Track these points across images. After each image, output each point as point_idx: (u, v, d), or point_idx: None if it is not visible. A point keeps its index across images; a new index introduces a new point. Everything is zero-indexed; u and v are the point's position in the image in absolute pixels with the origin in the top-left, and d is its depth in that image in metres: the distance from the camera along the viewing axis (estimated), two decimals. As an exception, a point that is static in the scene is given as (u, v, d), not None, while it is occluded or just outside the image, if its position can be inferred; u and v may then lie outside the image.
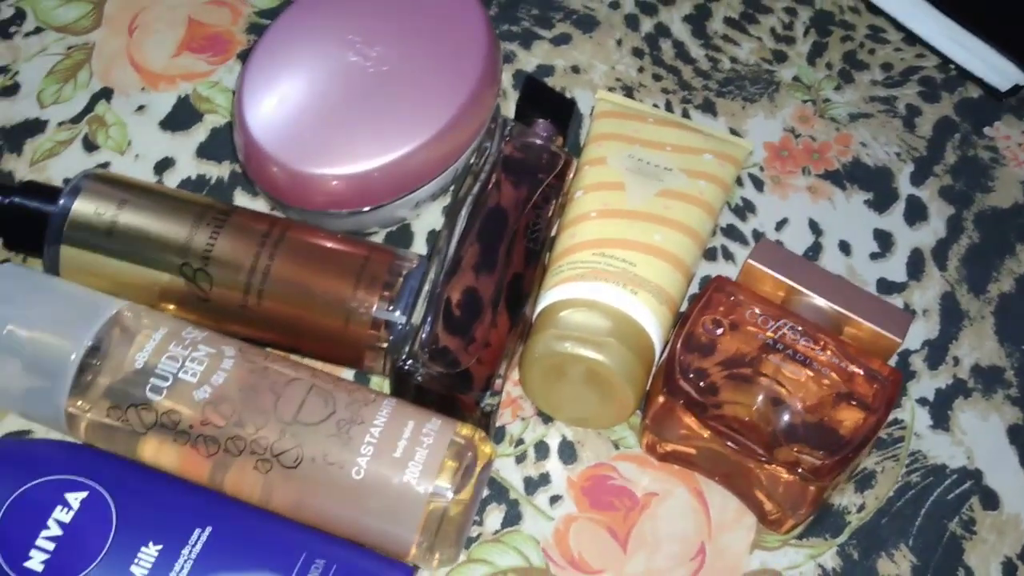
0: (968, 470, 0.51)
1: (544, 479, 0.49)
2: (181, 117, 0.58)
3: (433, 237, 0.56)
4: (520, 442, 0.50)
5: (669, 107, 0.61)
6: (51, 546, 0.40)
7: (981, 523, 0.50)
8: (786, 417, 0.46)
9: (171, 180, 0.56)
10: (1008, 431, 0.52)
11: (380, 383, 0.51)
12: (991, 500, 0.50)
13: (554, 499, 0.49)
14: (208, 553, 0.41)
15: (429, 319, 0.47)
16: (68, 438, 0.46)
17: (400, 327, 0.47)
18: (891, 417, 0.52)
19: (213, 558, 0.40)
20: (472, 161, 0.53)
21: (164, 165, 0.57)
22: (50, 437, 0.48)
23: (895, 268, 0.57)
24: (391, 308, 0.48)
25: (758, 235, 0.57)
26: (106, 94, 0.59)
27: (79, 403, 0.44)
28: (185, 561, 0.40)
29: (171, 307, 0.48)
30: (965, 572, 0.48)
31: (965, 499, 0.50)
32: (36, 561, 0.40)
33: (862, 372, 0.47)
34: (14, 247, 0.51)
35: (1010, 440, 0.52)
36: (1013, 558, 0.49)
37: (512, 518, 0.48)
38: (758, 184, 0.59)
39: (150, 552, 0.40)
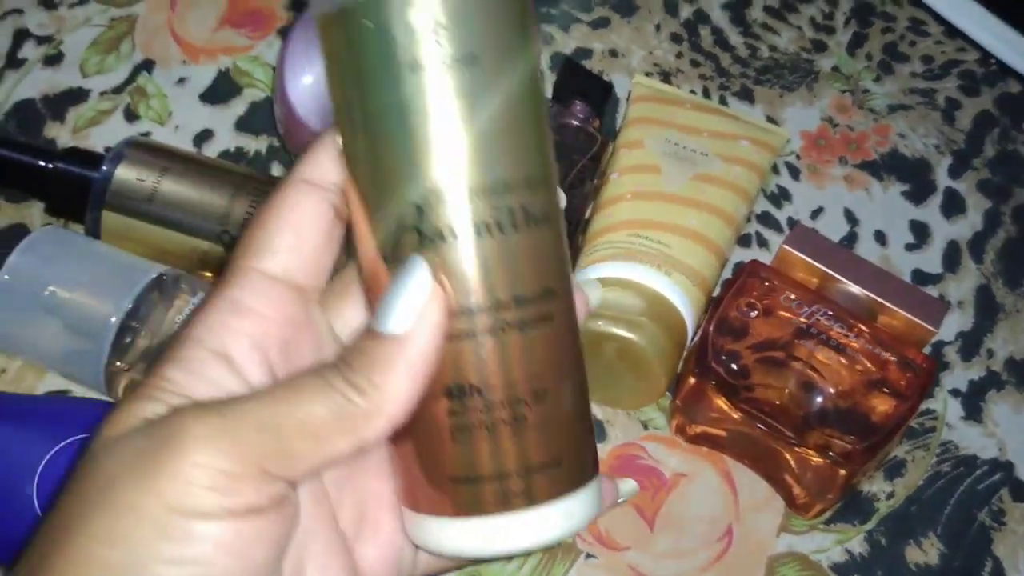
0: (999, 462, 0.51)
1: (573, 456, 0.50)
2: (221, 90, 0.59)
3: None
4: (550, 419, 0.51)
5: (706, 93, 0.61)
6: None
7: (1011, 514, 0.50)
8: (818, 401, 0.46)
9: (210, 152, 0.57)
10: (1041, 425, 0.52)
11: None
12: (1022, 492, 0.50)
13: (583, 476, 0.49)
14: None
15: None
16: (106, 398, 0.47)
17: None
18: (923, 407, 0.52)
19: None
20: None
21: (203, 137, 0.57)
22: (88, 396, 0.48)
23: (931, 260, 0.57)
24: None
25: (793, 223, 0.57)
26: (147, 66, 0.59)
27: (118, 364, 0.44)
28: None
29: (208, 274, 0.49)
30: (993, 562, 0.48)
31: (995, 490, 0.50)
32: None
33: (895, 360, 0.46)
34: (57, 212, 0.52)
35: (1042, 434, 0.52)
36: (1043, 551, 0.49)
37: (541, 493, 0.48)
38: (794, 172, 0.59)
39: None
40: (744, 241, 0.56)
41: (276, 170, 0.56)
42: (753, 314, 0.48)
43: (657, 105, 0.56)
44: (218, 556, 0.24)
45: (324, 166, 0.28)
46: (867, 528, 0.49)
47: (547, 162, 0.27)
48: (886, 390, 0.46)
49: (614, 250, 0.49)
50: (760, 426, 0.46)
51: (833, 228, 0.57)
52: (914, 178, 0.60)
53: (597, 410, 0.51)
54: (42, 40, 0.60)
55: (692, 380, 0.47)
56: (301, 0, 0.63)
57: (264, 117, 0.58)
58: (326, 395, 0.25)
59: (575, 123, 0.53)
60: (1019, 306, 0.56)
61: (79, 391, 0.49)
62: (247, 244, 0.27)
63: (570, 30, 0.63)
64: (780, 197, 0.58)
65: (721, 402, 0.47)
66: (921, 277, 0.56)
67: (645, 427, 0.51)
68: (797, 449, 0.46)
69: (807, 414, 0.45)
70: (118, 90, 0.58)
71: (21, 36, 0.60)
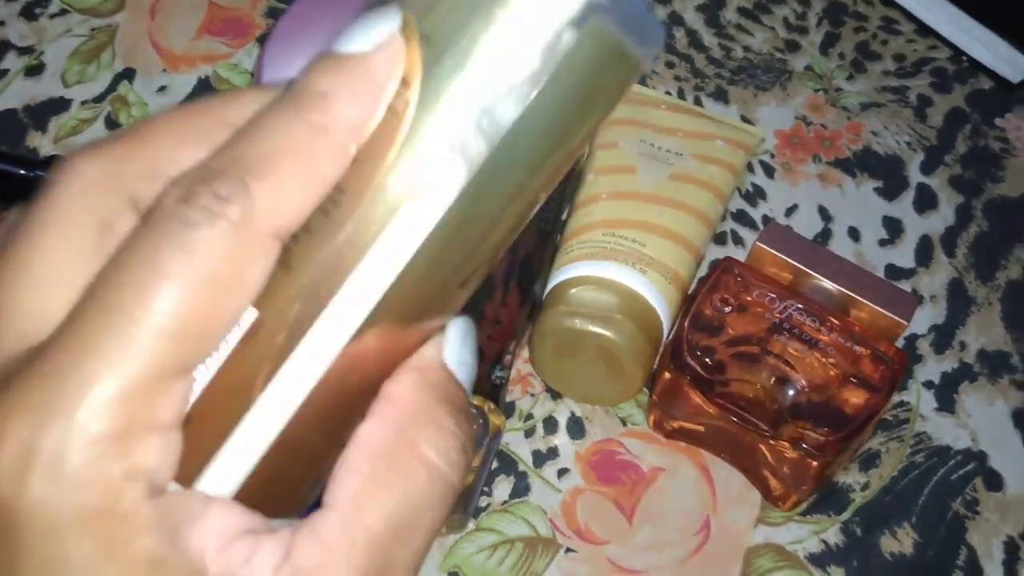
0: (972, 452, 0.52)
1: (552, 453, 0.50)
2: (201, 98, 0.60)
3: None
4: (529, 417, 0.51)
5: (681, 94, 0.62)
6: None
7: (984, 503, 0.50)
8: (791, 395, 0.46)
9: (191, 159, 0.57)
10: (1013, 415, 0.53)
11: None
12: (995, 481, 0.51)
13: (562, 472, 0.50)
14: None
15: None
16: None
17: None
18: (897, 399, 0.53)
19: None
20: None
21: (184, 144, 0.58)
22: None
23: (904, 254, 0.58)
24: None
25: (767, 220, 0.58)
26: (128, 75, 0.60)
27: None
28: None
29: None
30: (967, 550, 0.49)
31: (969, 480, 0.51)
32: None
33: (867, 353, 0.47)
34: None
35: (1015, 424, 0.53)
36: (1015, 538, 0.49)
37: (520, 489, 0.49)
38: (769, 171, 0.60)
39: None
40: (719, 239, 0.57)
41: (256, 176, 0.57)
42: (727, 310, 0.48)
43: (632, 106, 0.57)
44: None
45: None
46: (843, 519, 0.50)
47: None
48: (859, 383, 0.47)
49: (590, 249, 0.50)
50: (735, 420, 0.47)
51: (807, 225, 0.58)
52: (887, 175, 0.60)
53: (576, 407, 0.52)
54: (23, 51, 0.60)
55: (668, 375, 0.48)
56: (279, 8, 0.63)
57: (244, 124, 0.58)
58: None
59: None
60: (991, 299, 0.57)
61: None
62: None
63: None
64: (755, 195, 0.59)
65: (697, 397, 0.48)
66: (894, 272, 0.57)
67: (624, 423, 0.51)
68: (772, 442, 0.47)
69: (781, 408, 0.46)
70: (99, 99, 0.59)
71: (2, 47, 0.60)
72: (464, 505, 0.45)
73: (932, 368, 0.54)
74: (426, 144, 0.22)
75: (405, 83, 0.22)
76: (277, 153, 0.21)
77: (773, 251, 0.51)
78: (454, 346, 0.25)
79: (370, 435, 0.23)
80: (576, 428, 0.51)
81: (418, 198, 0.22)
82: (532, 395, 0.52)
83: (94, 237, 0.22)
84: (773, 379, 0.47)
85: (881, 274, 0.57)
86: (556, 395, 0.52)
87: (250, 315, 0.22)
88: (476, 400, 0.45)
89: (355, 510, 0.22)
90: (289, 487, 0.24)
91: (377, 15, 0.23)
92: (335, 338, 0.23)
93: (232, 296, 0.21)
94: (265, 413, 0.23)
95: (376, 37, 0.22)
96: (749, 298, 0.48)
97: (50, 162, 0.51)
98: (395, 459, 0.23)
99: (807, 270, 0.51)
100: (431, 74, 0.22)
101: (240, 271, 0.21)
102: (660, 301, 0.49)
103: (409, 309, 0.23)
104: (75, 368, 0.20)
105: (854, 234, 0.58)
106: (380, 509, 0.22)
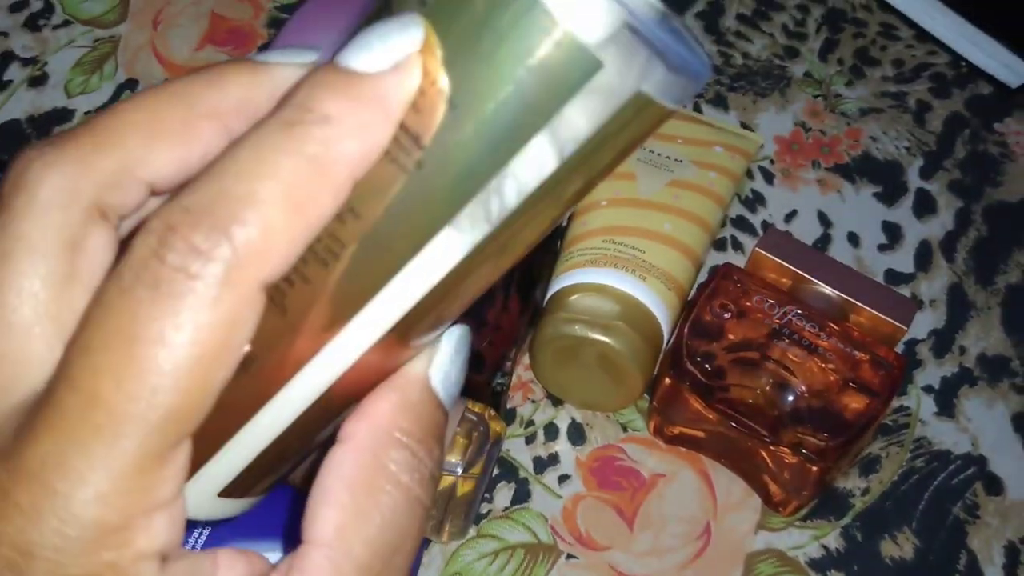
0: (972, 456, 0.52)
1: (553, 459, 0.50)
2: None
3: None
4: (530, 423, 0.52)
5: (681, 101, 0.62)
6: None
7: (985, 508, 0.50)
8: (791, 400, 0.46)
9: (193, 168, 0.58)
10: (1013, 419, 0.53)
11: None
12: (995, 486, 0.51)
13: (563, 478, 0.50)
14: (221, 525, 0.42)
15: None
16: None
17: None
18: (897, 404, 0.53)
19: (228, 527, 0.42)
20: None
21: (187, 154, 0.58)
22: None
23: (903, 260, 0.58)
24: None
25: (767, 226, 0.58)
26: (131, 85, 0.60)
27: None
28: (201, 532, 0.42)
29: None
30: (968, 555, 0.49)
31: (969, 484, 0.51)
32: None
33: (868, 358, 0.47)
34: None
35: (1015, 428, 0.53)
36: (1016, 542, 0.49)
37: (521, 496, 0.49)
38: (768, 177, 0.60)
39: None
40: (719, 245, 0.57)
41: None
42: (727, 316, 0.49)
43: (631, 113, 0.57)
44: None
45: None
46: (843, 524, 0.50)
47: None
48: (858, 388, 0.47)
49: (590, 256, 0.50)
50: (735, 425, 0.47)
51: (807, 231, 0.58)
52: (886, 180, 0.61)
53: (577, 413, 0.52)
54: (27, 62, 0.61)
55: (668, 381, 0.48)
56: (279, 18, 0.64)
57: (246, 133, 0.59)
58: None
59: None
60: (990, 303, 0.57)
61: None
62: None
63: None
64: (754, 201, 0.59)
65: (697, 403, 0.48)
66: (894, 277, 0.57)
67: (624, 429, 0.52)
68: (772, 448, 0.47)
69: (781, 413, 0.46)
70: (102, 109, 0.59)
71: (6, 58, 0.61)
72: (465, 512, 0.45)
73: (932, 373, 0.54)
74: (434, 204, 0.20)
75: (416, 110, 0.20)
76: (267, 192, 0.18)
77: (773, 257, 0.52)
78: (442, 363, 0.24)
79: (345, 461, 0.22)
80: (577, 434, 0.51)
81: (419, 260, 0.21)
82: (533, 401, 0.52)
83: (64, 262, 0.20)
84: (773, 384, 0.47)
85: (881, 279, 0.57)
86: (557, 401, 0.52)
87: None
88: (477, 407, 0.45)
89: (341, 543, 0.22)
90: (266, 479, 0.25)
91: (396, 24, 0.19)
92: (327, 373, 0.22)
93: (219, 367, 0.19)
94: (254, 433, 0.23)
95: (394, 53, 0.19)
96: (749, 304, 0.49)
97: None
98: (373, 486, 0.22)
99: (807, 276, 0.51)
100: (448, 120, 0.19)
101: (226, 339, 0.19)
102: (660, 307, 0.49)
103: (402, 342, 0.23)
104: (63, 464, 0.19)
105: (854, 239, 0.58)
106: (365, 539, 0.22)
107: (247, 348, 0.20)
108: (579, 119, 0.19)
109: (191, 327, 0.18)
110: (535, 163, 0.20)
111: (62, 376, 0.19)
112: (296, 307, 0.21)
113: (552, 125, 0.19)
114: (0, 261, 0.20)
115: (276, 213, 0.19)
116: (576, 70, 0.19)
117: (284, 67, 0.22)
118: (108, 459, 0.19)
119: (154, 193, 0.22)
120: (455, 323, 0.24)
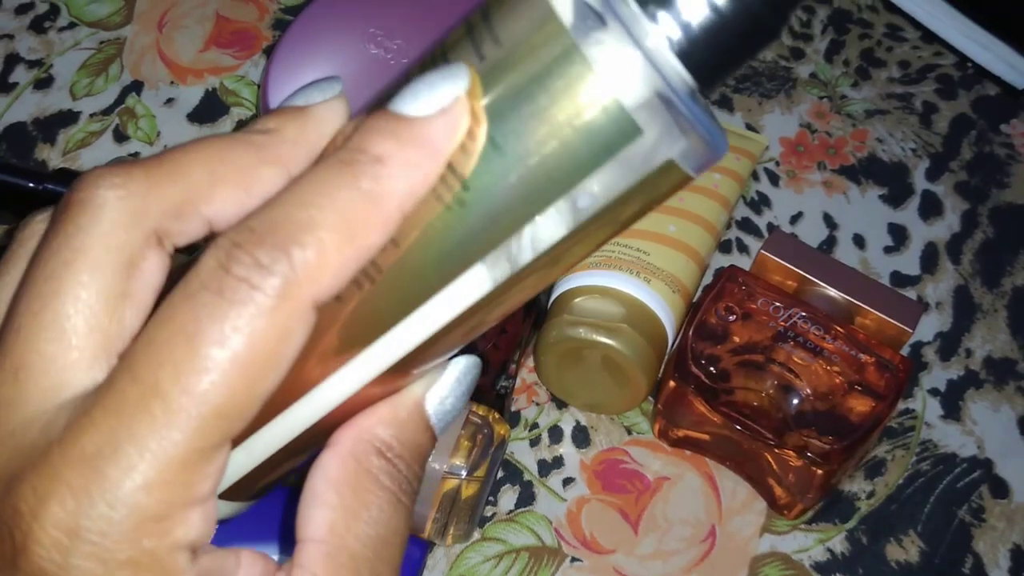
0: (978, 459, 0.52)
1: (557, 462, 0.50)
2: (208, 110, 0.60)
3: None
4: (535, 426, 0.51)
5: (686, 102, 0.62)
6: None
7: (990, 511, 0.50)
8: (796, 403, 0.46)
9: (198, 170, 0.58)
10: (1019, 422, 0.53)
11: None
12: (1001, 489, 0.51)
13: (567, 481, 0.50)
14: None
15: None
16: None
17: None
18: (902, 407, 0.53)
19: (228, 528, 0.42)
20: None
21: (192, 156, 0.58)
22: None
23: (909, 262, 0.58)
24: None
25: (772, 228, 0.58)
26: (136, 87, 0.60)
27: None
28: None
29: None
30: (973, 558, 0.49)
31: (975, 487, 0.51)
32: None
33: (873, 361, 0.47)
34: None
35: (1021, 431, 0.53)
36: (1022, 545, 0.49)
37: (526, 499, 0.49)
38: (773, 178, 0.60)
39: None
40: (724, 247, 0.57)
41: (263, 187, 0.57)
42: (732, 318, 0.48)
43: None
44: None
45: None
46: (848, 527, 0.50)
47: None
48: (864, 391, 0.47)
49: (594, 258, 0.50)
50: (740, 428, 0.47)
51: (812, 233, 0.58)
52: (892, 182, 0.60)
53: (581, 416, 0.52)
54: (32, 64, 0.61)
55: (673, 384, 0.48)
56: (285, 19, 0.64)
57: (251, 135, 0.59)
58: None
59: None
60: (996, 306, 0.57)
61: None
62: None
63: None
64: (760, 203, 0.59)
65: (702, 406, 0.48)
66: (899, 279, 0.57)
67: (629, 432, 0.51)
68: (777, 451, 0.47)
69: (786, 416, 0.46)
70: (107, 112, 0.59)
71: (11, 60, 0.61)
72: (469, 515, 0.45)
73: (938, 375, 0.54)
74: (471, 240, 0.22)
75: (464, 152, 0.22)
76: (324, 220, 0.20)
77: (778, 259, 0.52)
78: (440, 389, 0.25)
79: (331, 465, 0.24)
80: (581, 437, 0.51)
81: (449, 291, 0.22)
82: (537, 404, 0.52)
83: (120, 280, 0.22)
84: (778, 387, 0.47)
85: (886, 282, 0.57)
86: (561, 404, 0.52)
87: None
88: (481, 410, 0.45)
89: (335, 538, 0.23)
90: (266, 484, 0.26)
91: (444, 72, 0.21)
92: (340, 390, 0.24)
93: (270, 372, 0.21)
94: (262, 441, 0.24)
95: (440, 100, 0.21)
96: (754, 306, 0.49)
97: (59, 175, 0.51)
98: (358, 487, 0.24)
99: (812, 278, 0.51)
100: (489, 162, 0.22)
101: (279, 347, 0.20)
102: (664, 310, 0.49)
103: (413, 365, 0.24)
104: (116, 451, 0.20)
105: (859, 241, 0.58)
106: (356, 533, 0.23)
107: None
108: (613, 178, 0.22)
109: (248, 331, 0.20)
110: (568, 212, 0.22)
111: (124, 367, 0.21)
112: (323, 325, 0.22)
113: (589, 180, 0.22)
114: (61, 269, 0.22)
115: (331, 238, 0.20)
116: (618, 134, 0.21)
117: (324, 106, 0.24)
118: (159, 450, 0.20)
119: (210, 231, 0.23)
120: (464, 352, 0.26)
